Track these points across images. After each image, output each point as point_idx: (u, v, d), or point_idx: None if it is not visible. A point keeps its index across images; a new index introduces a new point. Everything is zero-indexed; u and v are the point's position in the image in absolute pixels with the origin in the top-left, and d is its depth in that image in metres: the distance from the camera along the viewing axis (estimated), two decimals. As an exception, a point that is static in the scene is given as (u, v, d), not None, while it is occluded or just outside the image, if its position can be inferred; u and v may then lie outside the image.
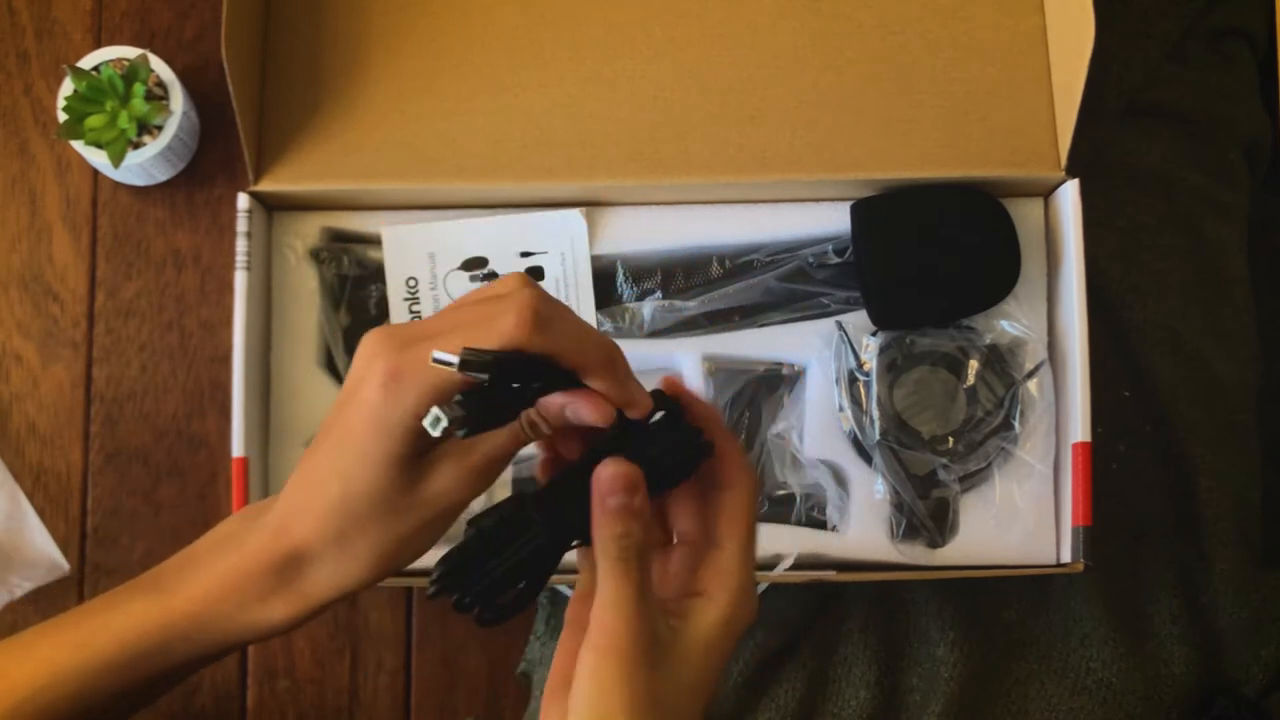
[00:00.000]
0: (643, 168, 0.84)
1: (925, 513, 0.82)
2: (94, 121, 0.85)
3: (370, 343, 0.50)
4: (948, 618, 0.87)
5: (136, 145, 0.85)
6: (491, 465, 0.52)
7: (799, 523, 0.84)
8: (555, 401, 0.50)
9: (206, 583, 0.53)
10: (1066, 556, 0.82)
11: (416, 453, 0.51)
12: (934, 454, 0.82)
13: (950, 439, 0.82)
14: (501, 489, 0.83)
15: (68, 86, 0.86)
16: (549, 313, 0.49)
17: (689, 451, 0.53)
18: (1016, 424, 0.83)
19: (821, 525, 0.84)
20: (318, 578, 0.52)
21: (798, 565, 0.82)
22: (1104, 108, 0.92)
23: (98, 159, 0.86)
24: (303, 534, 0.52)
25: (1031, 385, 0.83)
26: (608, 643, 0.49)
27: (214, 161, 0.92)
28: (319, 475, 0.51)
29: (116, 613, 0.54)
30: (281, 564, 0.52)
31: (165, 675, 0.55)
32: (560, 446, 0.54)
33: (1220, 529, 0.89)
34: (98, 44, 0.93)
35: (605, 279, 0.87)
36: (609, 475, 0.50)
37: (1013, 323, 0.84)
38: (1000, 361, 0.83)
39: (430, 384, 0.49)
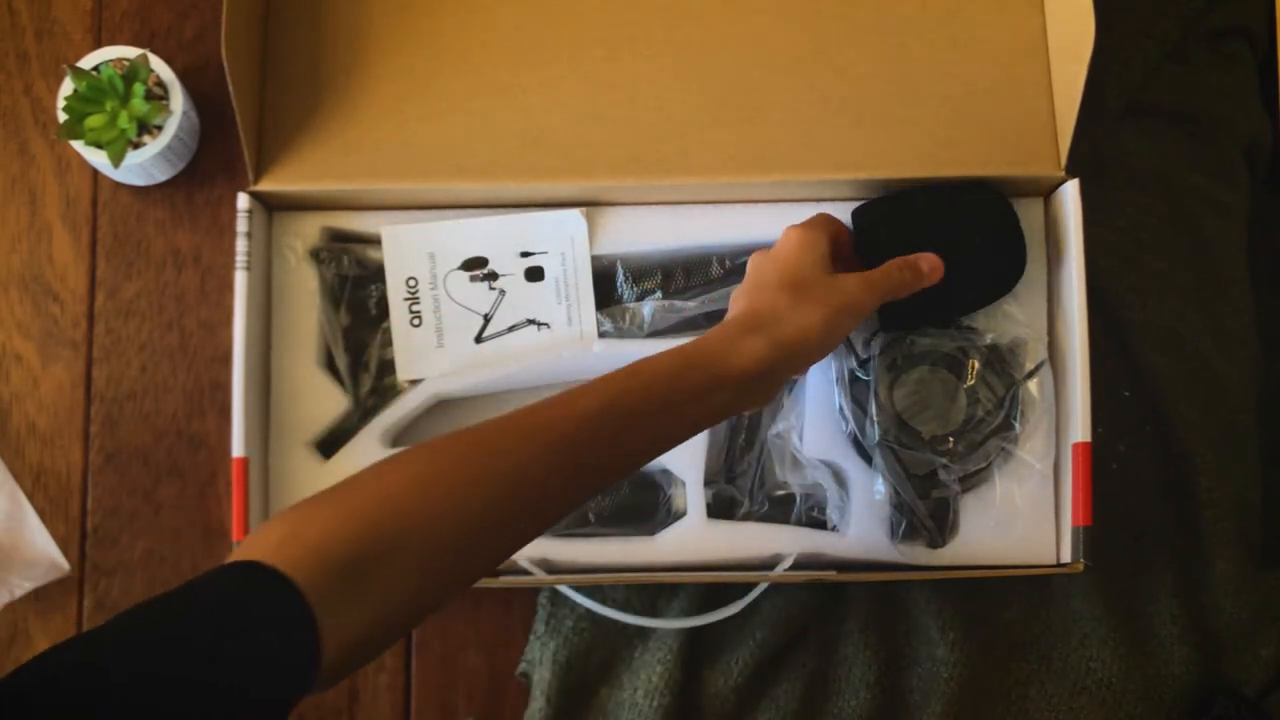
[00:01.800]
0: (643, 168, 0.84)
1: (925, 513, 0.82)
2: (94, 121, 0.85)
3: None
4: (948, 618, 0.87)
5: (136, 145, 0.85)
6: (879, 285, 0.77)
7: (799, 523, 0.84)
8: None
9: (705, 336, 0.73)
10: (1066, 556, 0.82)
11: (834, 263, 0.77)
12: (934, 454, 0.82)
13: (950, 439, 0.82)
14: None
15: (68, 86, 0.86)
16: None
17: None
18: (1016, 424, 0.82)
19: (821, 525, 0.84)
20: (780, 329, 0.72)
21: (798, 565, 0.82)
22: (1104, 108, 0.92)
23: (98, 159, 0.86)
24: (767, 299, 0.74)
25: (1031, 385, 0.83)
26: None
27: (214, 161, 0.92)
28: (781, 275, 0.75)
29: (644, 360, 0.70)
30: (756, 321, 0.73)
31: (678, 408, 0.70)
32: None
33: (1220, 529, 0.89)
34: (98, 44, 0.93)
35: (605, 279, 0.87)
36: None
37: (1013, 322, 0.84)
38: (1000, 361, 0.83)
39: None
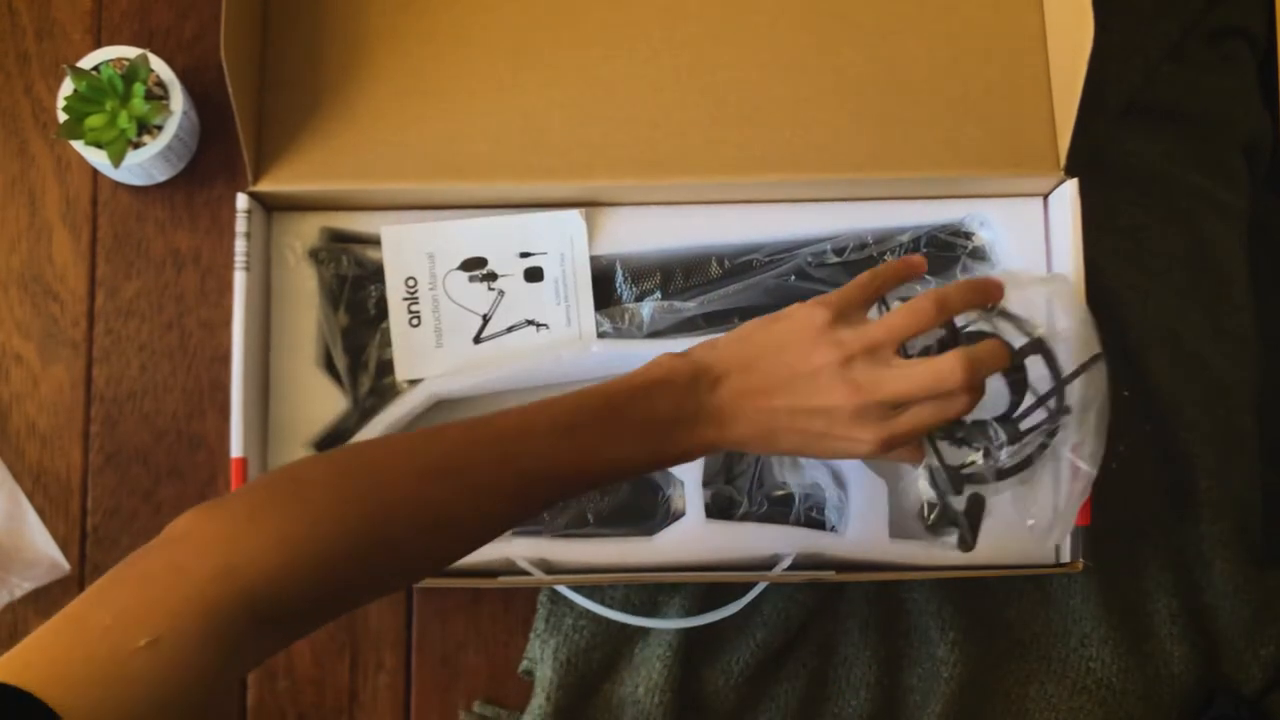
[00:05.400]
0: (642, 168, 0.84)
1: (959, 509, 0.76)
2: (94, 121, 0.85)
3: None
4: (948, 618, 0.87)
5: (136, 145, 0.86)
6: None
7: (798, 523, 0.84)
8: None
9: (688, 449, 0.67)
10: (1066, 556, 0.82)
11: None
12: (973, 441, 0.74)
13: (992, 428, 0.74)
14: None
15: (68, 86, 0.86)
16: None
17: None
18: (1064, 420, 0.74)
19: (820, 525, 0.84)
20: (739, 435, 0.68)
21: (797, 565, 0.82)
22: (1104, 108, 0.92)
23: (98, 159, 0.86)
24: (744, 416, 0.67)
25: (1082, 381, 0.74)
26: None
27: (214, 161, 0.92)
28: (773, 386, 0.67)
29: (626, 452, 0.66)
30: (717, 417, 0.67)
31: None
32: None
33: (1220, 529, 0.89)
34: (97, 44, 0.93)
35: (604, 279, 0.87)
36: None
37: (1064, 313, 0.75)
38: (1047, 354, 0.74)
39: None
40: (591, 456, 0.65)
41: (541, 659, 0.87)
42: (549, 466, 0.65)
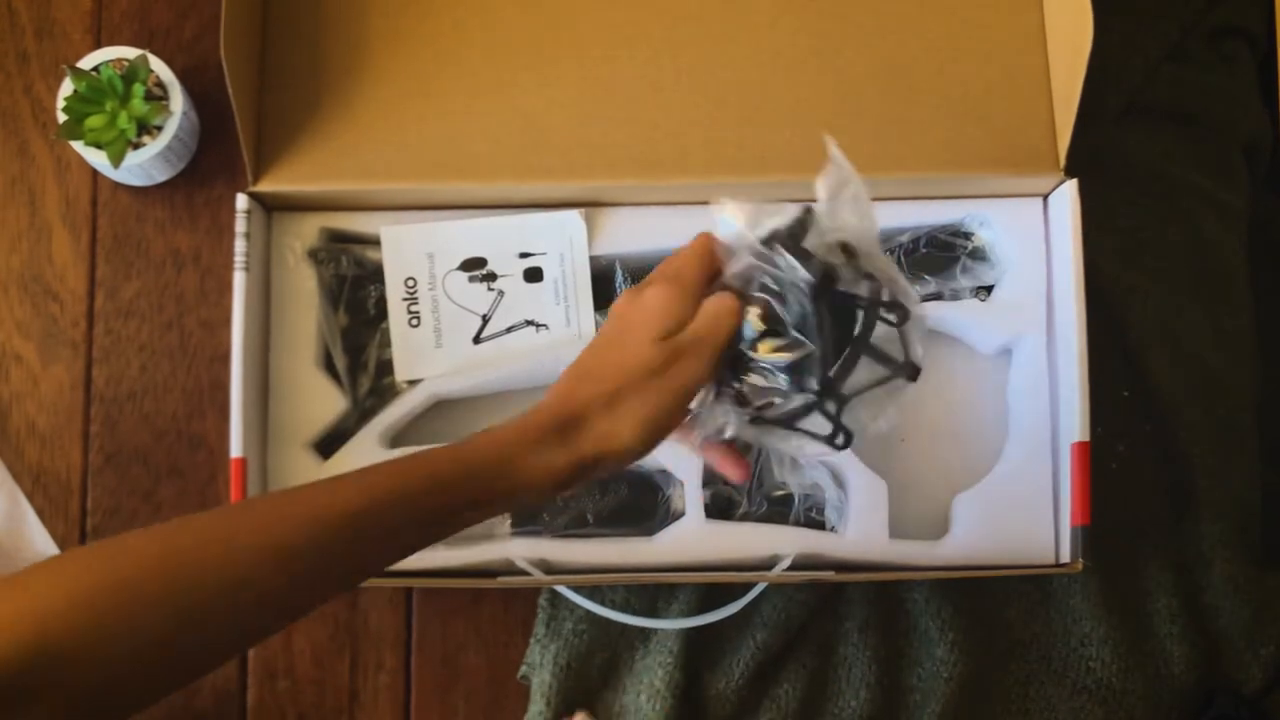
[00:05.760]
0: (642, 168, 0.84)
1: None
2: (94, 122, 0.85)
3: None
4: (947, 618, 0.87)
5: (136, 145, 0.86)
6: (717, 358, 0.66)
7: (797, 523, 0.84)
8: None
9: (499, 434, 0.64)
10: (1066, 556, 0.82)
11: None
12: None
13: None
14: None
15: (67, 86, 0.86)
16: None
17: None
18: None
19: (820, 526, 0.84)
20: (590, 435, 0.64)
21: (796, 566, 0.82)
22: (1104, 108, 0.92)
23: (97, 159, 0.86)
24: (584, 395, 0.64)
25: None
26: None
27: (213, 162, 0.92)
28: (600, 357, 0.66)
29: (420, 457, 0.63)
30: (564, 422, 0.64)
31: (449, 517, 0.63)
32: None
33: (1220, 529, 0.89)
34: (97, 44, 0.93)
35: (604, 279, 0.87)
36: None
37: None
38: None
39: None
40: (409, 475, 0.61)
41: (541, 664, 0.87)
42: (353, 496, 0.60)
